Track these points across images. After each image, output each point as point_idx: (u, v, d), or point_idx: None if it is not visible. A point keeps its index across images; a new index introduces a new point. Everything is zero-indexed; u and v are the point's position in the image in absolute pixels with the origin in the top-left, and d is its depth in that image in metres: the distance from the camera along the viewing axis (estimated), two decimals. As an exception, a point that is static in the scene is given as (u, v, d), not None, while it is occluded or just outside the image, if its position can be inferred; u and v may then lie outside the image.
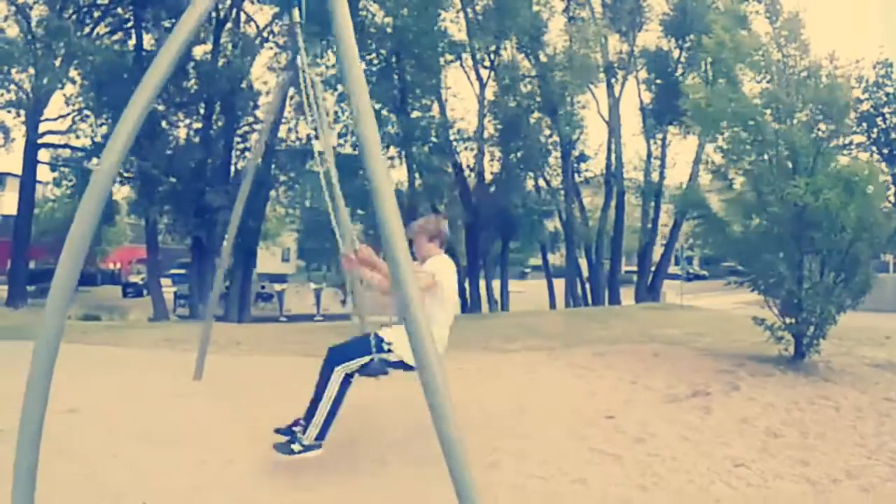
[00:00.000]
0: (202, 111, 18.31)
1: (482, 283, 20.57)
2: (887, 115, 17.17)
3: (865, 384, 6.95)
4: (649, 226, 21.62)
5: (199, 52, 18.36)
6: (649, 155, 21.33)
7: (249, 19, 19.50)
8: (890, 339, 9.95)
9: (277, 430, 4.22)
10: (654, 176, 21.39)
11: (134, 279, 35.03)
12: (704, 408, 6.01)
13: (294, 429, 4.08)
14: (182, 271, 37.64)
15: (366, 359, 3.98)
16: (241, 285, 18.99)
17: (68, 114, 20.82)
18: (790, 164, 7.81)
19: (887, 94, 32.97)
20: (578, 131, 20.60)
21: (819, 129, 7.86)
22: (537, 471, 4.31)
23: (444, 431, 2.66)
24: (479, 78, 20.49)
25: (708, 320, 13.25)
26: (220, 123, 18.27)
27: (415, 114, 18.12)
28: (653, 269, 21.90)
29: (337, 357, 4.01)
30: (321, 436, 3.98)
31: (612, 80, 21.15)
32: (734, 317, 14.77)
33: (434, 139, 18.81)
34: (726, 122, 8.25)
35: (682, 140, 21.24)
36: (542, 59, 20.31)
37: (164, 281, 37.00)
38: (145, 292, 32.88)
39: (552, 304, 21.19)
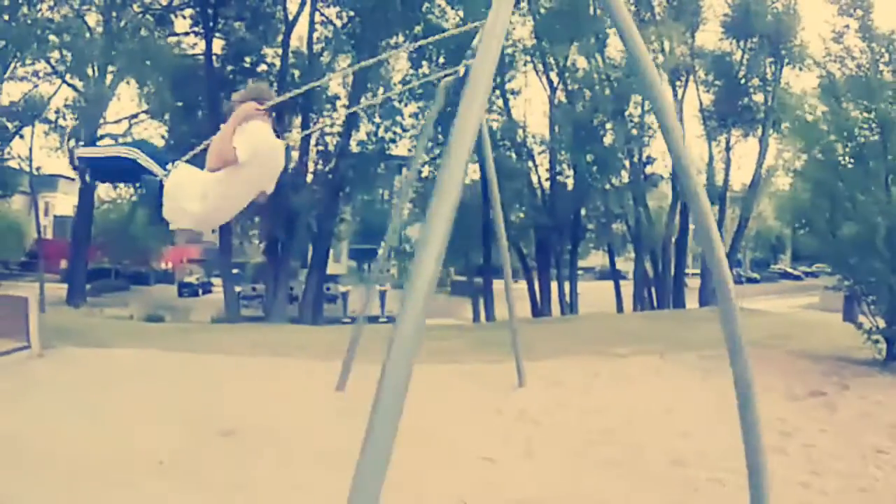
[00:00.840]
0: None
1: (554, 286, 21.43)
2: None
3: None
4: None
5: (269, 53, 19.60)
6: (711, 157, 22.00)
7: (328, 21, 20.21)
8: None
9: None
10: (717, 178, 22.03)
11: (189, 279, 35.80)
12: (827, 405, 6.92)
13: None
14: (235, 271, 39.04)
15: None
16: (315, 288, 19.81)
17: (132, 115, 21.66)
18: (890, 179, 8.65)
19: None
20: (648, 133, 21.26)
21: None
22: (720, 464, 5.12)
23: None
24: (549, 82, 21.25)
25: (782, 324, 14.04)
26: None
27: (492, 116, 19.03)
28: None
29: None
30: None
31: (676, 83, 21.70)
32: (805, 320, 15.64)
33: (503, 142, 19.72)
34: (831, 136, 9.08)
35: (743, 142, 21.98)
36: (604, 62, 21.07)
37: (215, 281, 38.47)
38: (200, 292, 34.15)
39: (619, 307, 21.93)
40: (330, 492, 3.79)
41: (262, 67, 19.35)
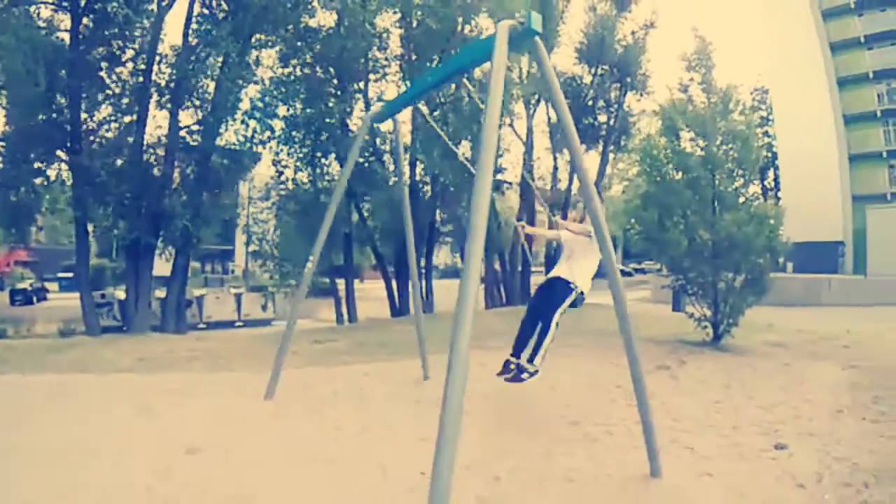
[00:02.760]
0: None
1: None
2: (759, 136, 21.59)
3: (767, 356, 10.67)
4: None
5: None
6: (556, 168, 25.18)
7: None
8: (772, 326, 14.05)
9: (499, 374, 6.15)
10: (560, 186, 25.23)
11: (21, 285, 33.76)
12: (672, 376, 9.32)
13: (515, 361, 5.95)
14: (69, 275, 37.16)
15: (571, 297, 5.96)
16: (178, 294, 19.78)
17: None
18: (716, 203, 11.39)
19: (761, 118, 38.88)
20: (504, 148, 23.76)
21: (737, 176, 11.52)
22: (603, 422, 7.30)
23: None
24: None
25: (634, 312, 16.81)
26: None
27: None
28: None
29: (550, 305, 5.92)
30: (540, 363, 5.81)
31: (530, 100, 24.53)
32: (641, 312, 18.75)
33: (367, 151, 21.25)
34: (670, 165, 11.72)
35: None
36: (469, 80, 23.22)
37: (51, 286, 36.66)
38: (35, 299, 32.64)
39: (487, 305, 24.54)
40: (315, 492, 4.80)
41: (129, 54, 18.87)
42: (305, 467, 5.31)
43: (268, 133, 20.49)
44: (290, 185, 21.30)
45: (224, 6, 18.71)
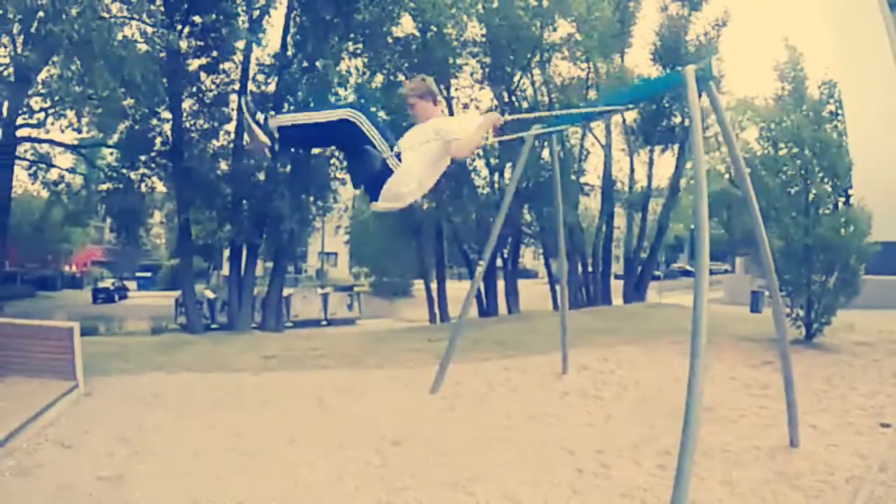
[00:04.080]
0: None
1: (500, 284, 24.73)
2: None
3: (856, 354, 11.96)
4: (636, 232, 26.96)
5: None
6: (632, 169, 26.46)
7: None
8: (853, 326, 15.23)
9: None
10: (637, 188, 26.52)
11: (103, 284, 35.77)
12: (776, 369, 10.59)
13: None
14: (148, 274, 39.41)
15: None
16: (277, 293, 21.54)
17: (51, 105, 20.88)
18: (809, 208, 12.67)
19: (830, 113, 39.29)
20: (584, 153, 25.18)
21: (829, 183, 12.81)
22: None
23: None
24: (499, 97, 24.27)
25: (710, 317, 18.10)
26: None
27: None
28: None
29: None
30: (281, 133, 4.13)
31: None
32: (723, 313, 19.98)
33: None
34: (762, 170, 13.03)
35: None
36: (538, 82, 24.67)
37: (129, 283, 38.90)
38: (116, 297, 34.69)
39: (555, 305, 25.70)
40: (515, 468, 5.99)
41: (228, 65, 20.78)
42: (501, 449, 6.67)
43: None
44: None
45: (321, 16, 20.01)
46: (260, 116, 3.93)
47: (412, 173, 4.09)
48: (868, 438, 6.93)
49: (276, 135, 3.94)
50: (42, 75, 20.13)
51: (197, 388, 9.51)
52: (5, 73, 19.13)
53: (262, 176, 19.96)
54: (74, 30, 14.15)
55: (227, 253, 22.95)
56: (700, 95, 5.87)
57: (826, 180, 13.13)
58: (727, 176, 26.26)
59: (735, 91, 31.38)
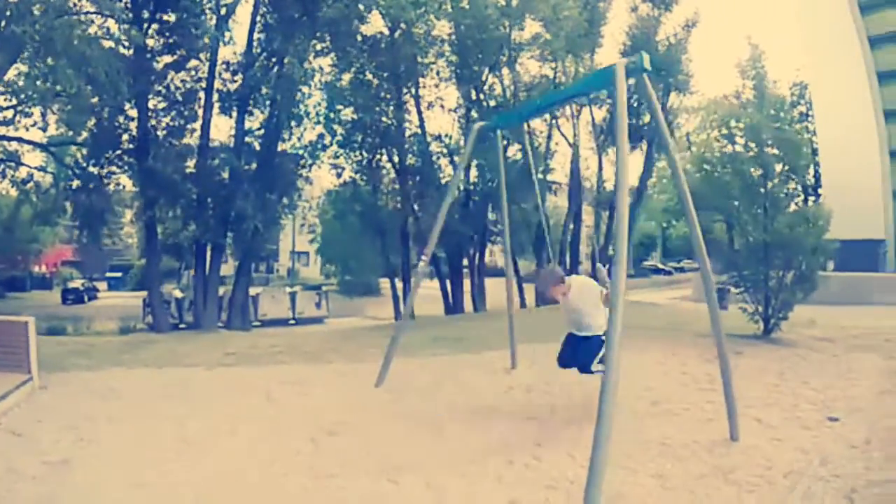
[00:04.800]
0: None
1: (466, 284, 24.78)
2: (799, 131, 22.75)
3: (814, 349, 12.09)
4: (603, 230, 27.13)
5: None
6: (601, 167, 26.63)
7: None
8: (814, 322, 15.42)
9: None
10: (606, 186, 26.63)
11: (73, 284, 35.21)
12: (734, 364, 10.72)
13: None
14: (118, 275, 39.08)
15: (601, 354, 6.52)
16: (242, 292, 21.51)
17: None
18: (767, 206, 12.83)
19: (801, 113, 39.63)
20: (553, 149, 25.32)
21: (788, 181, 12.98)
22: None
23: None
24: (466, 95, 24.40)
25: (675, 312, 18.44)
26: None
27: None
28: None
29: (586, 361, 6.96)
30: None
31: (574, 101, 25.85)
32: (690, 310, 20.15)
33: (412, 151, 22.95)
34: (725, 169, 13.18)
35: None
36: (507, 81, 24.77)
37: (100, 284, 38.57)
38: (86, 298, 34.36)
39: (522, 304, 25.83)
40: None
41: (193, 63, 20.56)
42: (435, 440, 6.72)
43: (329, 137, 22.00)
44: (350, 187, 22.70)
45: (288, 15, 20.09)
46: None
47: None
48: (814, 433, 6.96)
49: None
50: (10, 73, 19.91)
51: (151, 382, 9.63)
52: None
53: (226, 175, 19.87)
54: (36, 30, 14.07)
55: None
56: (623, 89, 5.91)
57: (787, 178, 13.30)
58: (697, 175, 26.31)
59: (707, 91, 31.69)
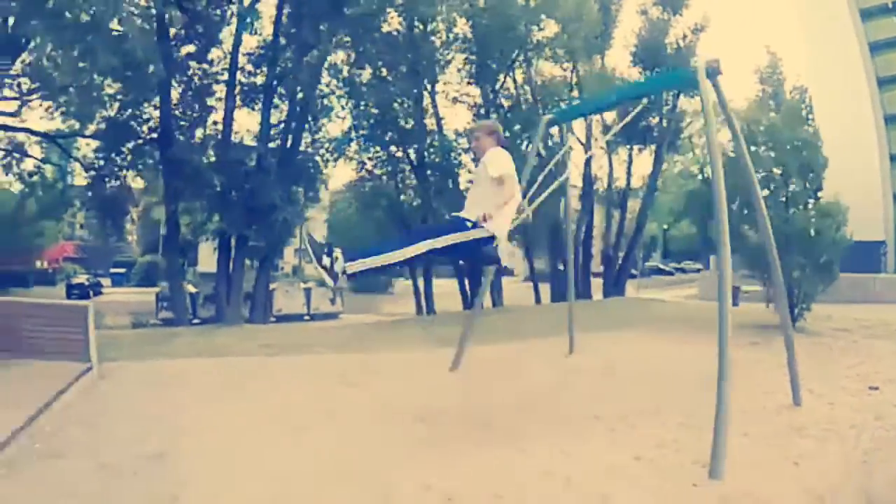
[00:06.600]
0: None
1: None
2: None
3: (835, 337, 13.17)
4: (614, 229, 28.21)
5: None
6: (611, 167, 27.71)
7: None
8: (831, 317, 16.49)
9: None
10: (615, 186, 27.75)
11: (77, 280, 35.70)
12: (766, 349, 11.74)
13: (336, 252, 4.63)
14: (122, 270, 39.57)
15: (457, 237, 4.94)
16: (264, 287, 22.29)
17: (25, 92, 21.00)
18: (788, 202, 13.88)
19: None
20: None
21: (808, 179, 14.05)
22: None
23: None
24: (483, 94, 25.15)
25: (692, 308, 19.49)
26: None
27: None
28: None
29: (426, 233, 5.09)
30: (352, 276, 4.61)
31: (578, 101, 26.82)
32: (704, 306, 21.20)
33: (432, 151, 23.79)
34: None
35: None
36: (520, 80, 25.72)
37: (104, 280, 39.01)
38: (91, 293, 34.61)
39: (538, 300, 26.92)
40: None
41: (217, 53, 21.43)
42: (535, 415, 7.44)
43: (353, 133, 22.76)
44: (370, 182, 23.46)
45: (315, 8, 20.58)
46: (327, 260, 4.37)
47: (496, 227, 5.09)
48: (861, 399, 8.00)
49: (343, 275, 4.54)
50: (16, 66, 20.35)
51: (209, 371, 9.73)
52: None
53: (252, 164, 20.40)
54: (86, 11, 14.83)
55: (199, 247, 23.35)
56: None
57: (803, 177, 14.36)
58: (699, 177, 27.34)
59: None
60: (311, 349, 12.24)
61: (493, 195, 5.08)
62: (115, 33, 16.52)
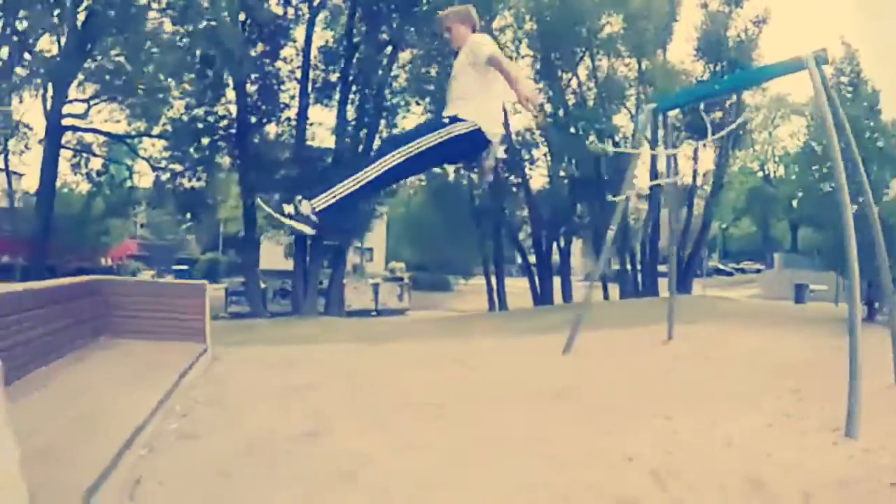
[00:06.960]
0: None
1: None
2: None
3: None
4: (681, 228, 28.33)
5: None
6: (676, 165, 27.67)
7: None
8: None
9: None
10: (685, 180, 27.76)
11: (144, 277, 36.13)
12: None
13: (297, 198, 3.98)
14: (185, 267, 40.56)
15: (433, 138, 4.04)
16: (339, 282, 23.21)
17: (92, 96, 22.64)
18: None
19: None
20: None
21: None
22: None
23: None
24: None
25: (766, 307, 19.73)
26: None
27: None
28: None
29: (399, 140, 4.33)
30: (327, 212, 3.95)
31: (642, 96, 26.99)
32: (773, 304, 21.36)
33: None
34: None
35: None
36: (583, 76, 26.01)
37: (168, 277, 40.08)
38: None
39: (605, 296, 27.14)
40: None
41: (289, 52, 22.27)
42: (669, 389, 7.74)
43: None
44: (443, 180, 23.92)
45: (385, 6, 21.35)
46: (289, 208, 3.85)
47: (478, 112, 4.11)
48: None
49: (316, 218, 3.88)
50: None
51: (320, 356, 9.97)
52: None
53: (329, 160, 21.21)
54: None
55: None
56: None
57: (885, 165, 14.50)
58: (760, 174, 27.49)
59: (769, 88, 32.47)
60: (412, 338, 12.49)
61: (479, 82, 4.14)
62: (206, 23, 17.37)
